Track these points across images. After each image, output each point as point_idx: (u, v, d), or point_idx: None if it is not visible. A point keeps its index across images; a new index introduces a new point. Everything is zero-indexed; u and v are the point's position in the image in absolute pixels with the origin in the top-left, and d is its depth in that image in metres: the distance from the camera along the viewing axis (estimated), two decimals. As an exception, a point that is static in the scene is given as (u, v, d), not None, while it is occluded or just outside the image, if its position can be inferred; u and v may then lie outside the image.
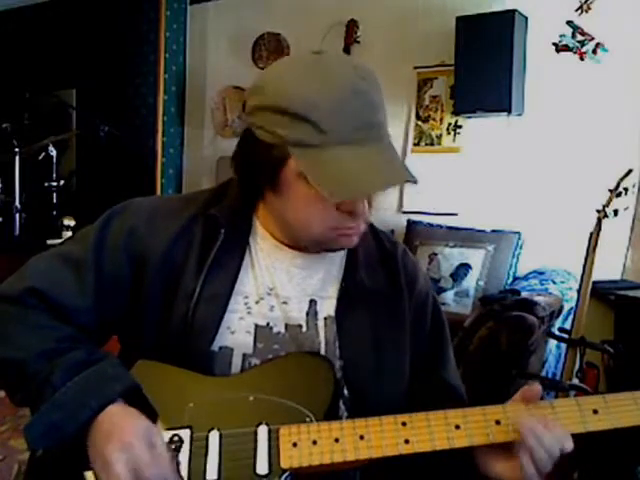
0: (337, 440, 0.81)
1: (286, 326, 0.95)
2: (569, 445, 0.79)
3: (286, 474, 0.80)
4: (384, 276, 1.01)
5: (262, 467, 0.80)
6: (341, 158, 0.83)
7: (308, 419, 0.84)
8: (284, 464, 0.80)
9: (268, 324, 0.94)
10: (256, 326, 0.94)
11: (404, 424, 0.82)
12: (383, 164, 0.86)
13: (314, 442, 0.81)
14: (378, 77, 0.88)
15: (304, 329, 0.95)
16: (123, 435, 0.77)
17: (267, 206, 0.95)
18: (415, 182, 0.85)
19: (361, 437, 0.81)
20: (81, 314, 0.90)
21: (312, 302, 0.97)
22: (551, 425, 0.79)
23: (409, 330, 1.00)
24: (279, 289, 0.96)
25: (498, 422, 0.82)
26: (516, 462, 0.80)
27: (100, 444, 0.77)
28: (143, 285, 0.92)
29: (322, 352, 0.95)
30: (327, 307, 0.97)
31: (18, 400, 0.86)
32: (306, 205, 0.88)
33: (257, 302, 0.95)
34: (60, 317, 0.89)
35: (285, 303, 0.96)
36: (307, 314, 0.96)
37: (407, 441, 0.81)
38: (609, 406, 0.81)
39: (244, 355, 0.92)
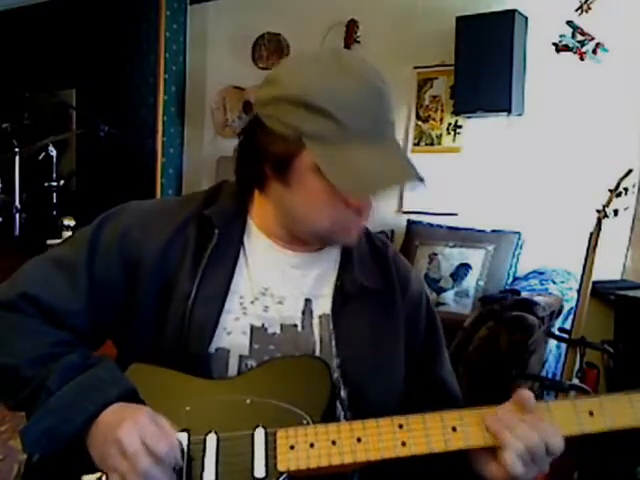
0: (334, 442, 0.81)
1: (281, 326, 0.95)
2: (556, 442, 0.78)
3: (283, 477, 0.80)
4: (378, 274, 1.01)
5: (259, 470, 0.80)
6: (357, 153, 0.83)
7: (305, 421, 0.83)
8: (281, 467, 0.80)
9: (263, 325, 0.94)
10: (252, 327, 0.93)
11: (401, 426, 0.82)
12: (397, 162, 0.88)
13: (311, 445, 0.81)
14: None
15: (299, 328, 0.95)
16: (133, 416, 0.77)
17: (270, 199, 0.94)
18: (423, 183, 0.86)
19: (358, 439, 0.81)
20: (74, 318, 0.90)
21: (307, 301, 0.97)
22: (535, 422, 0.78)
23: (403, 329, 1.00)
24: (274, 289, 0.96)
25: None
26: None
27: (111, 432, 0.76)
28: (137, 288, 0.92)
29: (317, 351, 0.94)
30: (322, 305, 0.97)
31: (11, 405, 0.86)
32: (315, 198, 0.88)
33: (252, 302, 0.95)
34: (54, 322, 0.89)
35: (280, 303, 0.96)
36: (303, 313, 0.96)
37: (404, 443, 0.81)
38: (604, 408, 0.80)
39: (240, 356, 0.92)
